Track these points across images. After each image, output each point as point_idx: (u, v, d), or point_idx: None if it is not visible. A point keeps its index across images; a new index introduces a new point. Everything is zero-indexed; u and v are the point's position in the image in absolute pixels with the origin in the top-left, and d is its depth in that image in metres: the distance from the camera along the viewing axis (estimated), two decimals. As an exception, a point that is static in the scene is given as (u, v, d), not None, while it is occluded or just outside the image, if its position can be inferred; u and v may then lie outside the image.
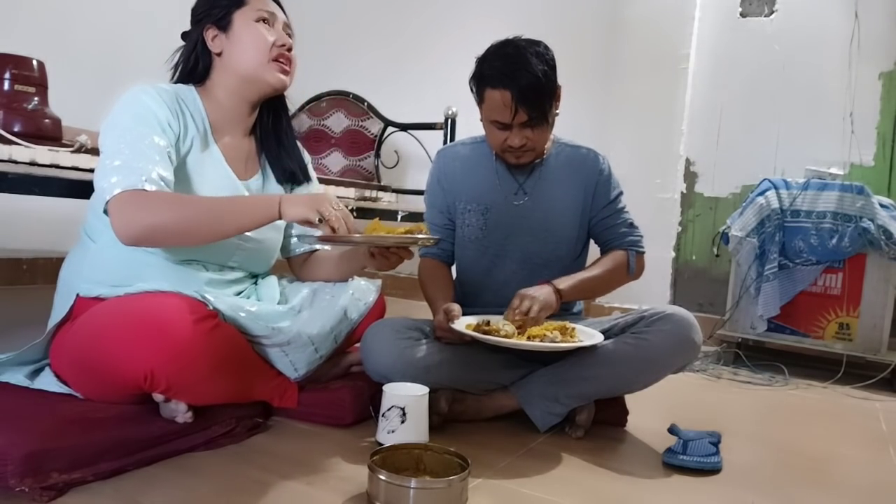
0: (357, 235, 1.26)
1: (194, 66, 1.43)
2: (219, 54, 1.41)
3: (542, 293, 1.46)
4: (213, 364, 1.20)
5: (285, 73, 1.43)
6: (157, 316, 1.15)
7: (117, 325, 1.15)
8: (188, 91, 1.41)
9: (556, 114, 1.55)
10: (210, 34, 1.40)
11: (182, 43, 1.46)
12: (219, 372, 1.22)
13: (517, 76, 1.42)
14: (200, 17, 1.42)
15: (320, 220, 1.21)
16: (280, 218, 1.23)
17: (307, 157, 1.63)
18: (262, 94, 1.44)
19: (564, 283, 1.51)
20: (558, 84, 1.51)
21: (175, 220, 1.19)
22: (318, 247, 1.64)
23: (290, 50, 1.44)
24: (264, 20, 1.41)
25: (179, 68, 1.45)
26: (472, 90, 1.53)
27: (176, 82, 1.45)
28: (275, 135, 1.53)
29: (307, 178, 1.59)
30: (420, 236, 1.33)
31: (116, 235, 1.18)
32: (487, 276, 1.66)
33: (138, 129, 1.24)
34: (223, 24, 1.39)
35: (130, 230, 1.17)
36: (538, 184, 1.62)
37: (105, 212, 1.19)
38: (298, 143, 1.60)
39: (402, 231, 1.34)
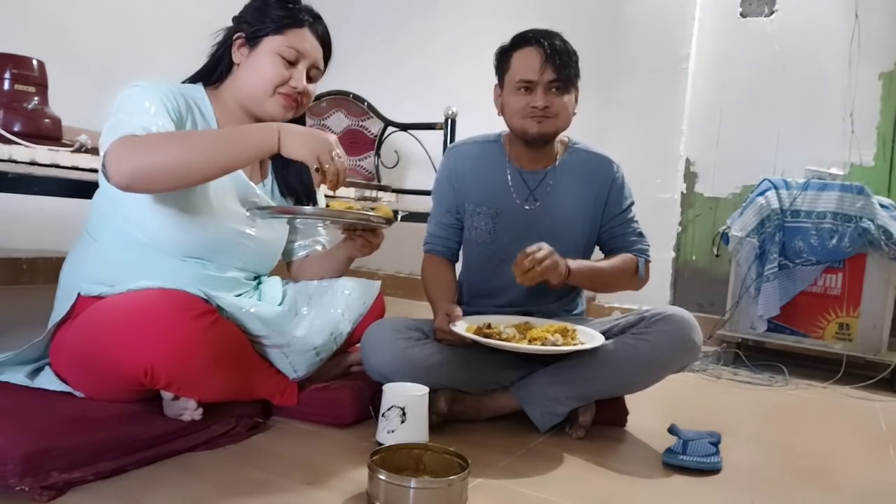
0: (308, 208, 1.32)
1: (215, 65, 1.42)
2: (237, 65, 1.41)
3: (553, 252, 1.40)
4: (214, 359, 1.20)
5: (288, 109, 1.40)
6: (158, 310, 1.15)
7: (117, 321, 1.16)
8: (196, 90, 1.41)
9: (574, 113, 1.57)
10: (238, 42, 1.40)
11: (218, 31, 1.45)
12: (219, 367, 1.22)
13: (549, 38, 1.51)
14: (239, 22, 1.41)
15: (317, 170, 1.19)
16: (278, 151, 1.19)
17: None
18: (262, 119, 1.42)
19: (575, 263, 1.48)
20: (579, 78, 1.55)
21: (167, 155, 1.15)
22: (318, 248, 1.64)
23: (302, 94, 1.41)
24: (288, 59, 1.37)
25: (207, 61, 1.44)
26: (496, 66, 1.57)
27: (192, 78, 1.44)
28: None
29: (313, 203, 1.57)
30: (371, 214, 1.39)
31: (112, 183, 1.15)
32: (492, 279, 1.65)
33: (139, 102, 1.25)
34: (251, 41, 1.38)
35: (123, 171, 1.13)
36: (550, 190, 1.60)
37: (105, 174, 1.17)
38: None
39: (357, 208, 1.41)
